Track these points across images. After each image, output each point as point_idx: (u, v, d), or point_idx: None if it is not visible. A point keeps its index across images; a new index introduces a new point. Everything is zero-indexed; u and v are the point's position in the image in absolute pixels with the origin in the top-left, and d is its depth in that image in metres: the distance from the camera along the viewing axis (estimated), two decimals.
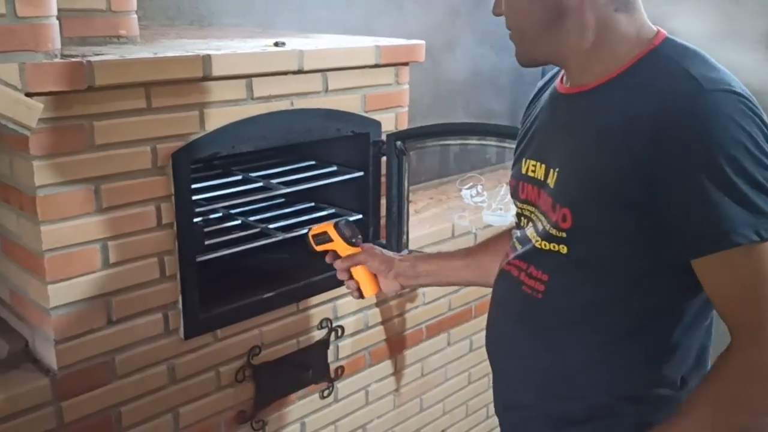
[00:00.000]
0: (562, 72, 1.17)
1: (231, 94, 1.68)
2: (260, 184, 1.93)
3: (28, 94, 1.35)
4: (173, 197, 1.61)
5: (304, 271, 1.96)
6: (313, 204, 2.15)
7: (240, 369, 1.84)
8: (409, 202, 2.03)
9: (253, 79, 1.71)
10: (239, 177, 1.98)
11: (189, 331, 1.70)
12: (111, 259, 1.55)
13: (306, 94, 1.83)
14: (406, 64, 2.05)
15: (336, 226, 1.45)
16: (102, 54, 1.48)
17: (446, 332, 2.45)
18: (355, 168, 2.05)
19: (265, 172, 2.03)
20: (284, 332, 1.93)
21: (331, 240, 1.46)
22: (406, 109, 2.10)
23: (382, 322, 2.20)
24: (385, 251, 1.46)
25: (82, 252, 1.50)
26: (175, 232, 1.63)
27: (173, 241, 1.64)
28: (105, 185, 1.51)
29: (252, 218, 2.01)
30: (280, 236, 1.88)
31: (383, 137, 2.01)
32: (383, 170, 2.04)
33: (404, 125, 2.10)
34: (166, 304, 1.66)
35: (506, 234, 1.44)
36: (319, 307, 2.01)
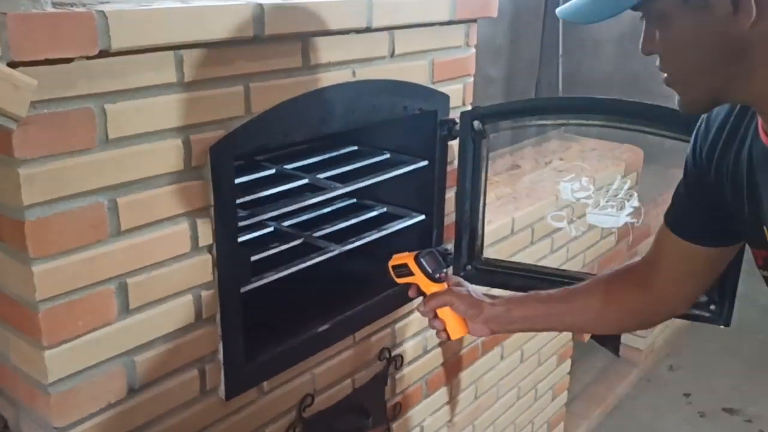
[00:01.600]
0: (757, 119, 0.90)
1: (282, 62, 1.20)
2: (304, 180, 1.46)
3: (12, 64, 0.85)
4: (212, 209, 1.14)
5: (361, 291, 1.52)
6: (354, 200, 1.70)
7: (290, 427, 1.39)
8: (485, 198, 1.60)
9: (311, 40, 1.24)
10: (272, 170, 1.50)
11: (231, 388, 1.24)
12: (132, 303, 1.07)
13: (370, 60, 1.37)
14: (475, 20, 1.61)
15: (417, 259, 1.22)
16: (107, 2, 0.98)
17: (500, 345, 2.06)
18: (415, 155, 1.60)
19: (300, 163, 1.56)
20: (339, 372, 1.49)
21: (412, 274, 1.23)
22: (472, 79, 1.66)
23: (440, 344, 1.78)
24: (473, 290, 1.24)
25: (92, 297, 1.02)
26: (215, 257, 1.16)
27: (212, 270, 1.17)
28: (123, 198, 1.03)
29: (287, 223, 1.53)
30: (335, 249, 1.42)
31: (453, 115, 1.57)
32: (449, 156, 1.61)
33: (470, 99, 1.66)
34: (203, 357, 1.20)
35: (620, 275, 1.21)
36: (378, 335, 1.58)
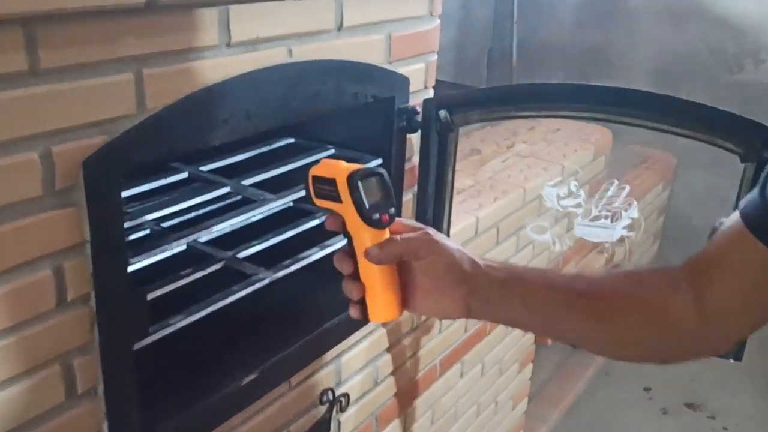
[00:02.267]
0: None
1: (189, 39, 0.87)
2: (225, 188, 1.13)
3: None
4: (89, 246, 0.81)
5: (298, 323, 1.22)
6: (292, 203, 1.38)
7: None
8: (451, 203, 1.31)
9: (231, 8, 0.90)
10: (183, 174, 1.17)
11: None
12: None
13: (312, 35, 1.05)
14: None
15: (351, 179, 0.74)
16: None
17: (459, 362, 1.79)
18: (366, 150, 1.30)
19: (220, 163, 1.23)
20: (270, 426, 1.19)
21: (338, 200, 0.75)
22: (436, 57, 1.35)
23: (394, 371, 1.50)
24: (447, 241, 0.78)
25: None
26: (93, 309, 0.84)
27: (90, 328, 0.84)
28: None
29: (204, 239, 1.21)
30: (265, 276, 1.11)
31: (414, 102, 1.27)
32: (408, 152, 1.31)
33: (433, 82, 1.36)
34: None
35: (656, 279, 0.80)
36: (319, 374, 1.28)
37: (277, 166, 1.22)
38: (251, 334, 1.18)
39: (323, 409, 1.30)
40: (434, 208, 1.30)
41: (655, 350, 0.80)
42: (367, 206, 0.72)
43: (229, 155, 1.24)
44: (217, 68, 0.91)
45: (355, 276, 0.76)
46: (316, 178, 0.75)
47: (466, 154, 2.10)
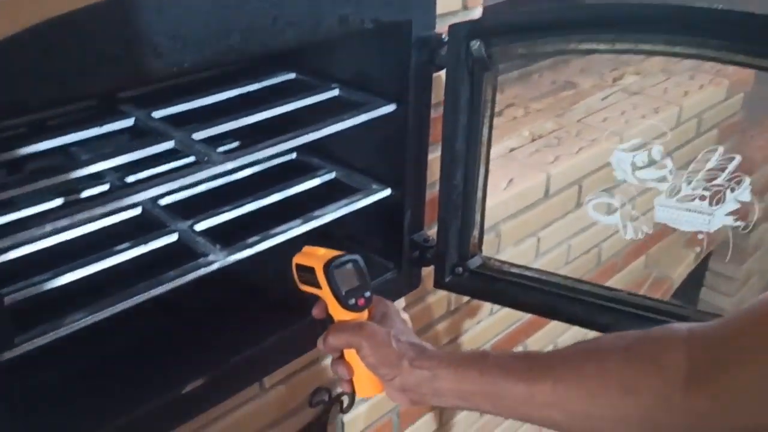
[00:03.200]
0: None
1: None
2: (169, 143, 0.87)
3: None
4: None
5: (272, 311, 0.97)
6: (292, 152, 1.11)
7: None
8: (488, 162, 0.99)
9: None
10: (129, 120, 0.91)
11: None
12: None
13: None
14: None
15: (327, 268, 0.79)
16: None
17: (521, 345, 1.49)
18: (377, 92, 1.00)
19: (185, 106, 0.96)
20: None
21: (319, 286, 0.80)
22: None
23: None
24: (401, 330, 0.80)
25: None
26: None
27: None
28: None
29: (165, 201, 0.97)
30: (215, 260, 0.85)
31: (440, 29, 0.95)
32: (433, 97, 0.99)
33: (479, 1, 1.02)
34: None
35: (658, 348, 0.60)
36: (308, 370, 1.04)
37: (264, 107, 0.95)
38: (200, 328, 0.94)
39: (314, 412, 1.06)
40: (465, 171, 0.99)
41: None
42: (343, 292, 0.78)
43: (201, 96, 0.98)
44: None
45: (342, 356, 0.80)
46: (298, 266, 0.81)
47: (556, 88, 1.73)
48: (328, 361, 1.03)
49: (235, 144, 1.11)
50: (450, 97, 0.95)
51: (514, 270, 1.02)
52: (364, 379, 0.79)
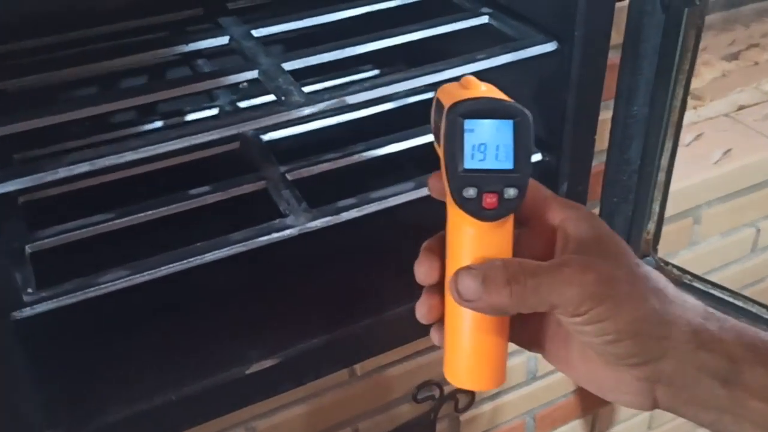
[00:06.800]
0: None
1: None
2: (254, 72, 0.70)
3: None
4: None
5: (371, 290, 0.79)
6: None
7: None
8: (678, 136, 0.72)
9: None
10: (224, 39, 0.76)
11: None
12: None
13: None
14: None
15: (453, 109, 0.39)
16: None
17: None
18: (539, 24, 0.75)
19: (303, 23, 0.79)
20: (313, 420, 0.83)
21: (439, 142, 0.41)
22: None
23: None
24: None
25: None
26: None
27: None
28: None
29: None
30: (302, 225, 0.69)
31: None
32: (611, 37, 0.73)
33: None
34: None
35: None
36: (413, 360, 0.86)
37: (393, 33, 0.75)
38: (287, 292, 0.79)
39: (422, 408, 0.89)
40: (644, 144, 0.73)
41: None
42: (458, 168, 0.39)
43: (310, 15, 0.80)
44: None
45: (437, 289, 0.43)
46: (436, 103, 0.43)
47: None
48: (435, 355, 0.85)
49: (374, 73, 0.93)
50: (631, 40, 0.69)
51: (696, 285, 0.75)
52: (463, 363, 0.42)
